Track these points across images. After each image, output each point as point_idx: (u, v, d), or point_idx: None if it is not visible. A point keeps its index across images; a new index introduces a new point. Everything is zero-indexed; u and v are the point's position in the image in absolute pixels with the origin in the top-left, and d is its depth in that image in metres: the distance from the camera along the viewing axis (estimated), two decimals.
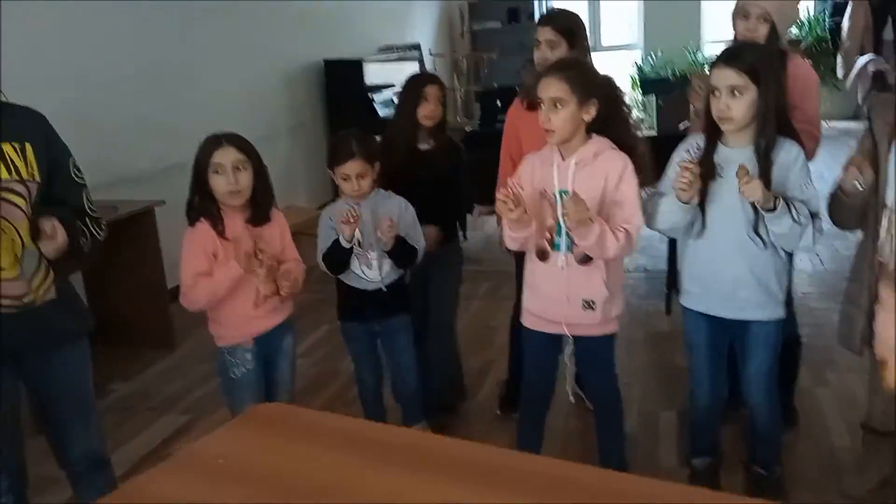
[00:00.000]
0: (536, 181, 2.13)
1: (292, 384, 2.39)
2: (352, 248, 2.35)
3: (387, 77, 6.73)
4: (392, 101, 6.87)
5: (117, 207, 3.60)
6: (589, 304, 2.13)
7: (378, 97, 6.49)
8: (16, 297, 1.77)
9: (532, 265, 2.23)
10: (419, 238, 2.50)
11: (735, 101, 1.97)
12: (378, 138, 2.73)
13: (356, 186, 2.37)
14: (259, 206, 2.19)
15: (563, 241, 2.11)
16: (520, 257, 2.44)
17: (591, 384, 2.37)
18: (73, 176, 1.91)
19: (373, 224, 2.40)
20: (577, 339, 2.21)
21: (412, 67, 7.47)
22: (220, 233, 2.15)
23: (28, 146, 1.80)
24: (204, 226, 2.15)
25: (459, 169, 2.80)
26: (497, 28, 8.91)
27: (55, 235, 1.73)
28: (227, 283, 2.12)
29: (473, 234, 5.38)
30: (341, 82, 6.33)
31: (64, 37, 3.85)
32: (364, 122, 6.15)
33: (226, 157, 2.10)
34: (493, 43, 8.57)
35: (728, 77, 1.98)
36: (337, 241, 2.35)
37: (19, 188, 1.77)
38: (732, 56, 2.02)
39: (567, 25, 2.62)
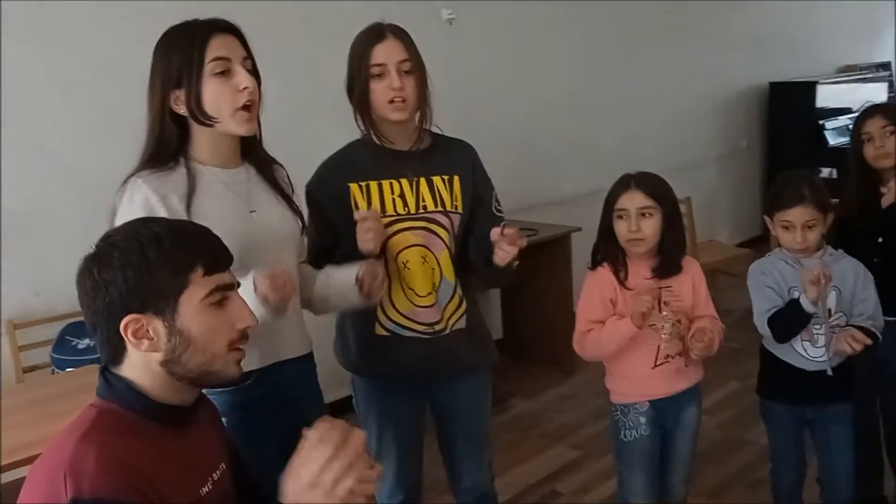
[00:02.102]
0: None
1: (692, 460, 2.08)
2: (813, 314, 1.94)
3: (843, 100, 5.87)
4: (847, 128, 5.97)
5: (537, 231, 3.70)
6: None
7: (830, 124, 5.67)
8: (429, 325, 1.83)
9: None
10: (879, 317, 1.98)
11: None
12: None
13: (800, 238, 1.96)
14: (666, 256, 1.94)
15: None
16: None
17: None
18: (494, 210, 1.92)
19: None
20: None
21: (879, 88, 6.39)
22: (622, 280, 1.95)
23: (456, 178, 1.85)
24: (605, 271, 1.97)
25: None
26: None
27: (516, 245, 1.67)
28: (617, 340, 1.90)
29: None
30: (787, 107, 5.69)
31: (512, 60, 4.09)
32: (809, 151, 5.44)
33: (631, 202, 1.90)
34: None
35: None
36: (795, 303, 1.94)
37: (442, 219, 1.82)
38: None
39: None
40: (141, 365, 1.10)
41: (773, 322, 1.99)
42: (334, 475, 1.02)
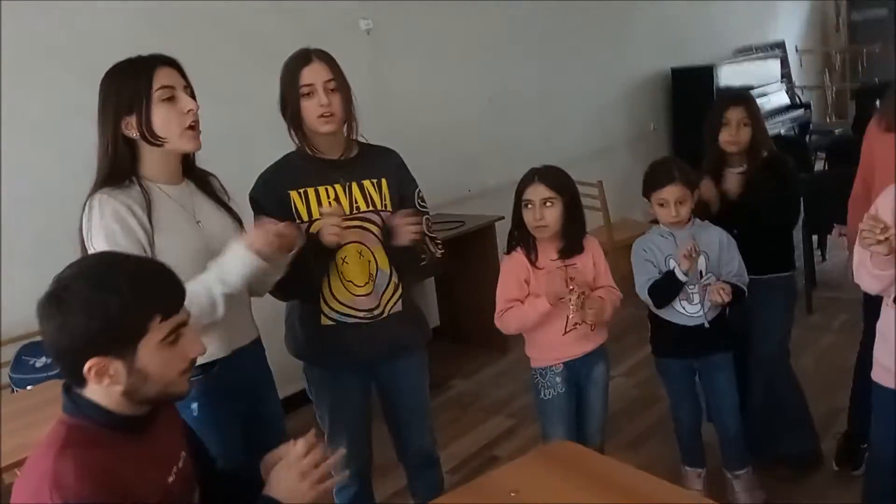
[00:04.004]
0: None
1: (605, 413, 2.38)
2: (686, 282, 2.27)
3: (745, 78, 6.29)
4: None
5: (464, 222, 3.98)
6: None
7: None
8: (368, 311, 2.08)
9: (888, 312, 1.92)
10: (743, 273, 2.32)
11: None
12: None
13: (673, 213, 2.29)
14: (569, 239, 2.23)
15: None
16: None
17: None
18: (418, 205, 2.17)
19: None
20: None
21: (773, 66, 6.89)
22: (533, 262, 2.24)
23: (384, 181, 2.10)
24: (519, 254, 2.26)
25: (784, 188, 2.47)
26: (882, 17, 7.74)
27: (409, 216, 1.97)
28: (535, 316, 2.19)
29: (833, 255, 4.80)
30: (688, 90, 6.08)
31: (430, 65, 4.35)
32: None
33: (535, 193, 2.18)
34: (876, 34, 7.47)
35: None
36: (671, 274, 2.28)
37: (374, 218, 2.07)
38: None
39: None
40: (102, 391, 1.23)
41: (652, 291, 2.33)
42: (310, 483, 1.32)
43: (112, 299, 1.17)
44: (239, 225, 1.89)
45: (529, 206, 2.19)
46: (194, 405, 1.76)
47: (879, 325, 1.97)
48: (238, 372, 1.83)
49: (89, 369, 1.19)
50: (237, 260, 1.68)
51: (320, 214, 1.97)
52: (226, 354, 1.81)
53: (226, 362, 1.81)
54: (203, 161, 1.90)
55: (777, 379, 2.60)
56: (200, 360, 1.70)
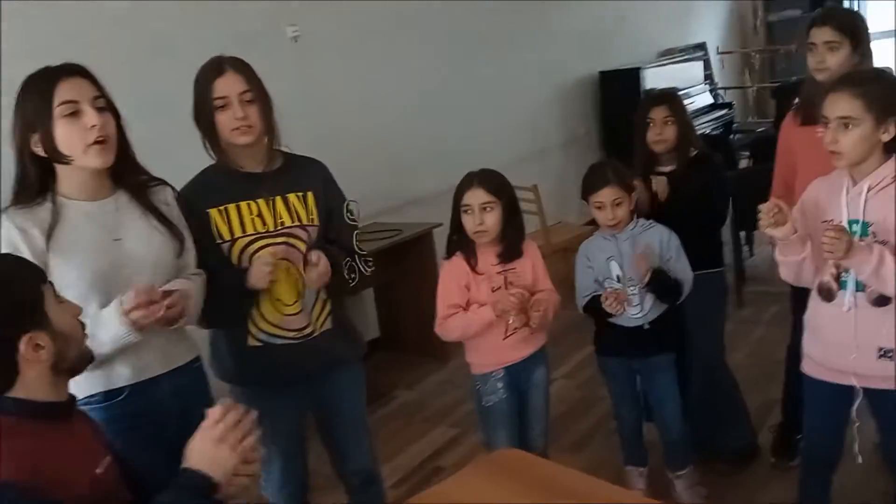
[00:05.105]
0: (823, 211, 1.88)
1: (547, 416, 2.38)
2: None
3: (670, 80, 6.39)
4: None
5: (401, 230, 3.94)
6: (885, 354, 1.83)
7: None
8: (298, 330, 2.00)
9: (814, 305, 1.97)
10: (685, 270, 2.35)
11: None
12: None
13: (611, 215, 2.30)
14: (509, 243, 2.22)
15: (850, 279, 1.85)
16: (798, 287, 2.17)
17: (890, 448, 2.02)
18: (346, 219, 2.10)
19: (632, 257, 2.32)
20: (870, 394, 1.91)
21: (696, 68, 7.07)
22: (473, 267, 2.22)
23: (310, 194, 2.02)
24: (459, 260, 2.24)
25: (711, 185, 2.53)
26: (797, 17, 8.04)
27: (318, 263, 1.91)
28: (479, 325, 2.18)
29: (760, 250, 4.94)
30: (616, 93, 6.19)
31: (360, 70, 4.29)
32: None
33: (474, 198, 2.16)
34: (793, 34, 7.75)
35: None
36: (602, 309, 2.28)
37: (300, 233, 1.99)
38: None
39: (850, 23, 2.30)
40: (32, 379, 1.25)
41: (586, 309, 2.38)
42: (229, 445, 1.28)
43: (7, 282, 1.24)
44: (178, 242, 1.78)
45: (469, 211, 2.17)
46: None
47: (807, 318, 2.01)
48: (154, 398, 1.72)
49: (25, 347, 1.22)
50: (110, 320, 1.58)
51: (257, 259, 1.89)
52: (134, 381, 1.70)
53: (136, 389, 1.70)
54: None
55: (714, 375, 2.64)
56: (104, 387, 1.66)
